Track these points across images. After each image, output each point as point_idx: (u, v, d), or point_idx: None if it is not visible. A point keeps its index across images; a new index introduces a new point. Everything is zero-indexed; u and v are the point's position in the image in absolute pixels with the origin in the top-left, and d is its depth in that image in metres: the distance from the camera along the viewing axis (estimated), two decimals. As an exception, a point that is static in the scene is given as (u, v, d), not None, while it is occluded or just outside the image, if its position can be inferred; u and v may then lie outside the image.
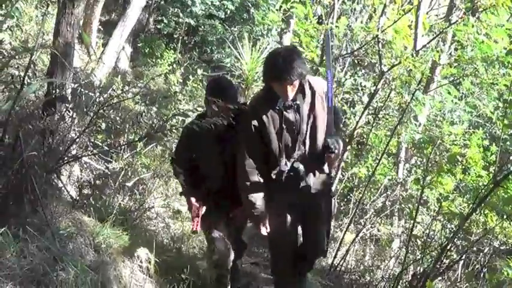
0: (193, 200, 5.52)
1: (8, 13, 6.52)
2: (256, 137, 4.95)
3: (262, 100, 4.98)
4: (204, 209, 5.46)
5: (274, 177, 5.04)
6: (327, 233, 5.37)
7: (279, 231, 5.30)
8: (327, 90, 4.91)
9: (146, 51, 11.15)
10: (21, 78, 5.75)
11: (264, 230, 5.25)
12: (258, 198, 5.13)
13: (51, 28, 6.66)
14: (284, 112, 4.84)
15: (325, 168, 5.05)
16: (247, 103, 5.48)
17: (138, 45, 10.90)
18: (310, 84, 4.92)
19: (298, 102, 4.84)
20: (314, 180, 5.12)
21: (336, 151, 4.79)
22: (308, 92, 4.90)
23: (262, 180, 5.08)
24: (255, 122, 4.92)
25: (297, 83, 4.72)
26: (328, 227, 5.39)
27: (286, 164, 4.99)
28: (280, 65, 4.59)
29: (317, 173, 5.11)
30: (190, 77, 11.01)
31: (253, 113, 4.96)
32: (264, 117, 4.87)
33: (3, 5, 6.48)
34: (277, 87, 4.75)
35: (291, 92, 4.73)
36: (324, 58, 8.62)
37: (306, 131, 4.92)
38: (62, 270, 5.25)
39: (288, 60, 4.59)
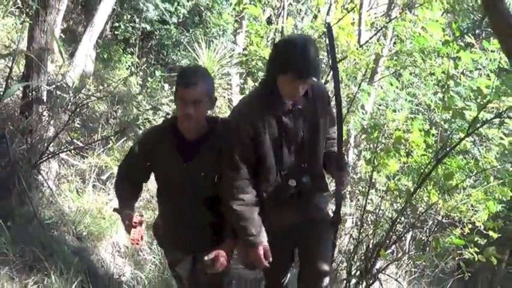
0: (131, 212, 4.02)
1: None
2: (251, 147, 3.92)
3: (257, 103, 3.98)
4: (142, 218, 4.00)
5: (268, 193, 4.03)
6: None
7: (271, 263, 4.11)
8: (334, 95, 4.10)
9: (105, 56, 11.25)
10: (5, 83, 6.02)
11: (265, 262, 4.04)
12: (251, 222, 3.97)
13: (24, 36, 6.85)
14: (283, 118, 3.93)
15: (326, 185, 4.29)
16: (233, 110, 4.49)
17: (97, 50, 11.01)
18: (312, 87, 4.00)
19: (300, 106, 3.96)
20: (316, 199, 4.22)
21: (347, 169, 4.10)
22: (311, 95, 4.01)
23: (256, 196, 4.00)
24: (249, 130, 3.88)
25: (310, 82, 3.79)
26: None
27: (286, 178, 4.01)
28: (300, 56, 3.63)
29: (318, 191, 4.24)
30: (149, 78, 11.25)
31: (246, 118, 3.92)
32: (260, 123, 3.89)
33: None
34: (286, 83, 3.78)
35: (302, 91, 3.84)
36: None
37: (306, 140, 4.01)
38: (50, 256, 5.51)
39: (309, 54, 3.65)
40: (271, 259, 4.05)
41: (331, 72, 4.54)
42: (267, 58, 7.73)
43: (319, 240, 4.23)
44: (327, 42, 8.74)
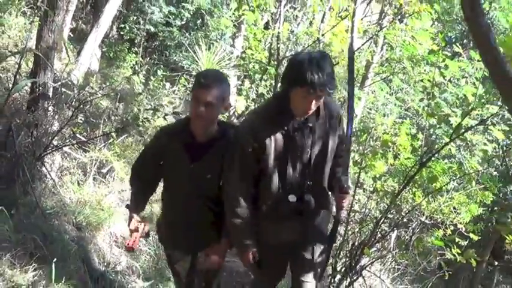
0: (135, 216, 4.14)
1: None
2: (253, 160, 3.79)
3: (267, 116, 3.79)
4: (147, 227, 4.13)
5: (268, 206, 3.87)
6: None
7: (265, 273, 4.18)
8: (347, 119, 3.93)
9: (110, 55, 11.31)
10: (14, 79, 6.06)
11: (251, 259, 3.99)
12: (243, 232, 3.96)
13: (33, 35, 6.90)
14: (291, 134, 3.75)
15: (329, 205, 4.06)
16: (243, 121, 4.47)
17: (103, 50, 11.07)
18: (324, 105, 3.81)
19: (310, 124, 3.76)
20: (318, 219, 4.02)
21: (351, 191, 3.94)
22: (322, 113, 3.82)
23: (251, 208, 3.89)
24: (253, 143, 3.74)
25: (323, 98, 3.65)
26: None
27: (287, 193, 3.82)
28: (315, 70, 3.43)
29: (321, 209, 4.01)
30: (152, 77, 11.33)
31: (253, 132, 3.76)
32: (266, 137, 3.72)
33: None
34: (298, 97, 3.60)
35: (314, 107, 3.64)
36: (272, 59, 8.86)
37: (313, 159, 3.83)
38: (50, 243, 5.54)
39: (324, 68, 3.45)
40: (257, 259, 3.98)
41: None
42: (263, 61, 7.70)
43: (313, 263, 4.06)
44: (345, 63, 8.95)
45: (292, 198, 3.81)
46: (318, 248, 4.04)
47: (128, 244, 3.96)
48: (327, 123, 3.82)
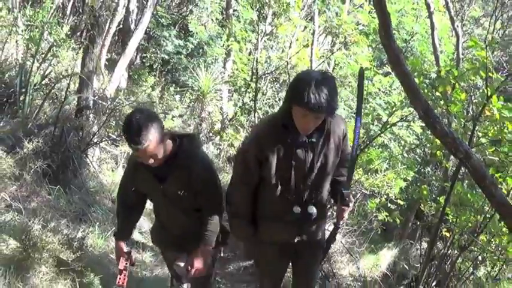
0: (122, 246, 3.55)
1: (53, 54, 6.95)
2: (255, 171, 3.21)
3: (272, 129, 3.14)
4: (133, 258, 3.59)
5: (273, 211, 3.30)
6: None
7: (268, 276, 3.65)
8: (353, 137, 3.19)
9: (135, 77, 11.41)
10: (65, 95, 6.32)
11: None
12: (241, 232, 3.47)
13: (78, 63, 7.14)
14: (295, 149, 3.11)
15: (327, 213, 3.65)
16: (251, 131, 3.90)
17: (130, 73, 11.22)
18: (330, 122, 3.14)
19: (314, 140, 3.12)
20: (317, 226, 3.45)
21: (351, 204, 3.24)
22: (327, 129, 3.14)
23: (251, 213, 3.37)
24: (256, 155, 3.16)
25: (322, 118, 3.00)
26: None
27: (292, 204, 3.23)
28: (314, 90, 2.82)
29: (321, 219, 3.45)
30: (165, 92, 11.52)
31: (257, 140, 3.17)
32: (269, 150, 3.11)
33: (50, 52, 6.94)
34: (298, 115, 2.97)
35: (313, 126, 3.02)
36: (253, 77, 9.00)
37: (315, 173, 3.19)
38: (94, 212, 5.80)
39: (324, 88, 2.84)
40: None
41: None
42: (247, 78, 7.45)
43: (314, 261, 3.63)
44: (287, 69, 9.12)
45: (296, 209, 3.22)
46: (316, 250, 3.57)
47: (119, 283, 3.43)
48: (331, 139, 3.16)
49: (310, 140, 3.10)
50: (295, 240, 3.39)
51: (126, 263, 3.50)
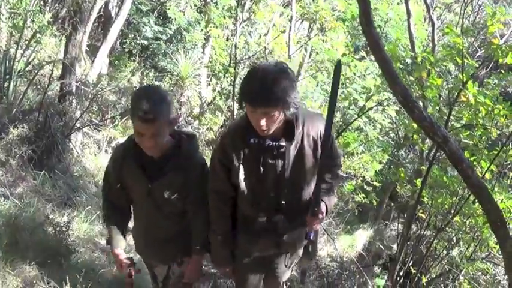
0: (120, 253, 3.15)
1: (37, 41, 6.90)
2: (224, 176, 2.88)
3: (239, 130, 2.79)
4: (135, 267, 3.18)
5: (244, 218, 2.99)
6: None
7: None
8: (322, 137, 2.73)
9: (115, 62, 11.31)
10: (48, 81, 6.29)
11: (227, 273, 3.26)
12: (217, 246, 3.06)
13: (61, 49, 7.08)
14: (260, 154, 2.76)
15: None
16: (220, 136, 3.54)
17: (111, 59, 11.13)
18: (303, 122, 2.73)
19: (283, 144, 2.72)
20: (287, 237, 3.01)
21: (321, 216, 2.78)
22: (297, 132, 2.71)
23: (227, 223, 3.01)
24: (221, 158, 2.85)
25: (277, 114, 2.54)
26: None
27: (258, 212, 2.92)
28: (256, 83, 2.48)
29: (299, 226, 2.96)
30: (145, 78, 11.45)
31: (222, 146, 2.85)
32: (234, 155, 2.78)
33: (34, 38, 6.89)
34: (248, 113, 2.61)
35: (266, 124, 2.56)
36: (231, 61, 8.90)
37: (286, 179, 2.79)
38: (78, 196, 5.79)
39: (269, 80, 2.45)
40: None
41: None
42: (225, 64, 7.38)
43: (286, 272, 3.32)
44: (265, 54, 9.15)
45: (261, 218, 2.92)
46: (290, 262, 3.23)
47: None
48: (304, 143, 2.76)
49: (277, 144, 2.74)
50: (272, 252, 3.12)
51: (131, 272, 3.15)
